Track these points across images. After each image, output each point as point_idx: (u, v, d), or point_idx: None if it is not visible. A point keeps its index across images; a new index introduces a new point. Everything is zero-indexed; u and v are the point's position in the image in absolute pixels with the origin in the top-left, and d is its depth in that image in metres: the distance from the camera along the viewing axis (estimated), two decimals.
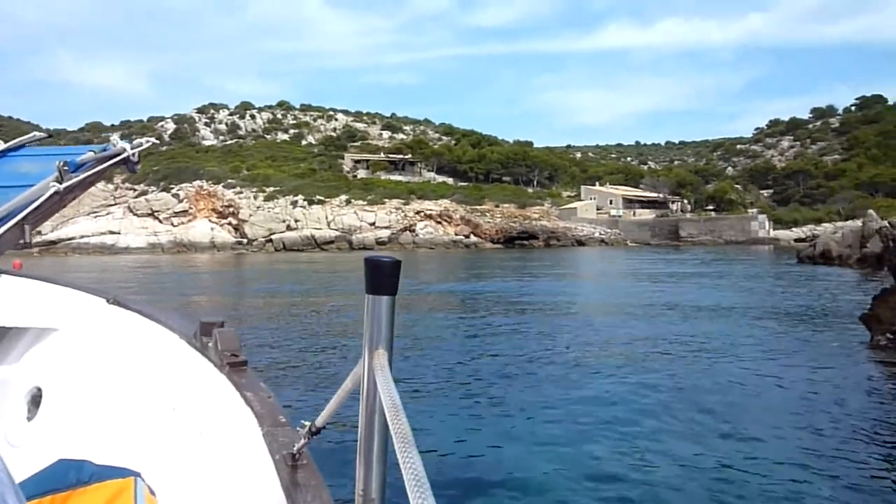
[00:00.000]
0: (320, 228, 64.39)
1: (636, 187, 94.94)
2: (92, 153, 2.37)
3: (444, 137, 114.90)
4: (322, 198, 68.55)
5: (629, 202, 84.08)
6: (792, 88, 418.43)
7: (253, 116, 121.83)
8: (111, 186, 71.02)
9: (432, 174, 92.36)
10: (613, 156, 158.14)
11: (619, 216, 76.98)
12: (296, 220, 65.28)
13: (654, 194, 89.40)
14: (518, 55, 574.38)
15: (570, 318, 13.90)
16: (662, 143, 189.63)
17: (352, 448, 0.97)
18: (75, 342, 2.50)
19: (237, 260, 47.10)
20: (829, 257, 26.35)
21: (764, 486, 4.63)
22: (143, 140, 2.57)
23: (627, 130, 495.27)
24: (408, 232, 65.03)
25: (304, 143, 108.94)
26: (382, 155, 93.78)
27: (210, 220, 66.18)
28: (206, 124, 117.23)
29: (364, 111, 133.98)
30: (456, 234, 66.29)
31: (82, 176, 2.29)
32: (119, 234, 62.75)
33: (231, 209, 66.98)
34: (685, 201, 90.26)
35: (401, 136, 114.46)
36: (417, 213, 67.83)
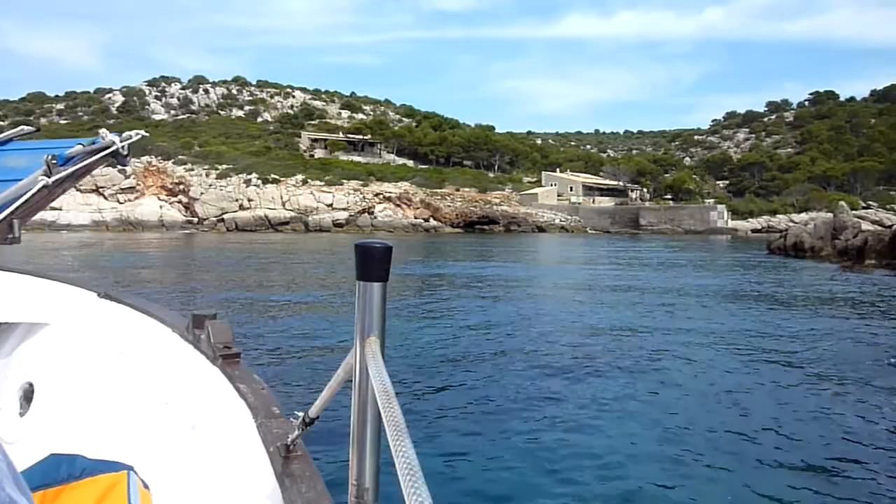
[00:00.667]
0: (275, 209, 62.26)
1: (596, 175, 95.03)
2: (81, 146, 2.35)
3: (405, 119, 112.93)
4: (277, 177, 66.37)
5: (589, 189, 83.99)
6: (745, 83, 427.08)
7: (207, 91, 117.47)
8: None
9: (392, 156, 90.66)
10: (573, 143, 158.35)
11: (580, 203, 76.77)
12: (249, 200, 62.96)
13: (614, 182, 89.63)
14: (479, 40, 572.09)
15: (540, 307, 12.90)
16: (621, 133, 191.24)
17: (346, 438, 0.97)
18: (67, 337, 2.48)
19: (187, 240, 45.03)
20: (801, 249, 25.96)
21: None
22: (133, 133, 2.50)
23: (586, 119, 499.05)
24: (366, 214, 63.48)
25: (259, 120, 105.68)
26: (341, 135, 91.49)
27: (159, 198, 63.31)
28: (156, 98, 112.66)
29: (323, 89, 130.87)
30: (415, 218, 65.09)
31: (71, 169, 2.28)
32: (60, 210, 59.42)
33: (181, 187, 64.19)
34: (644, 190, 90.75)
35: (361, 116, 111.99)
36: (376, 195, 66.29)
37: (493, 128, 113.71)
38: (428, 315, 12.21)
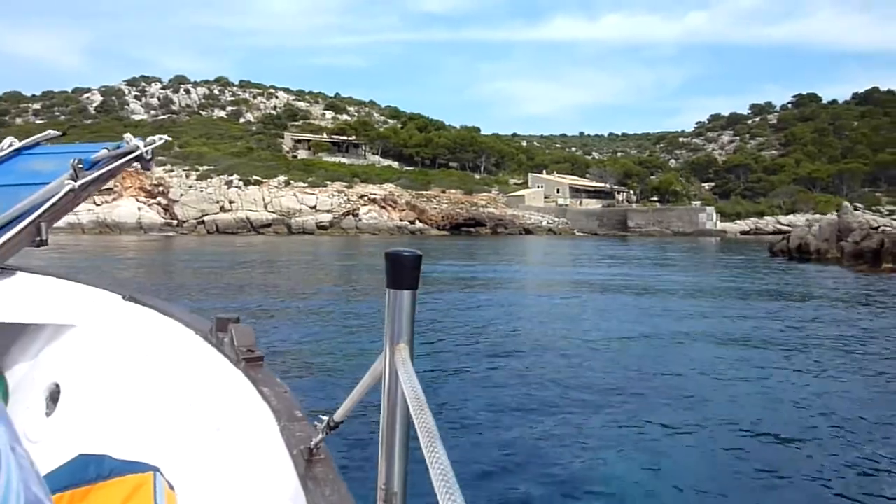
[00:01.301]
0: (257, 211, 60.85)
1: (582, 176, 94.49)
2: (106, 150, 2.42)
3: (390, 120, 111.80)
4: (259, 178, 64.99)
5: (576, 191, 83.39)
6: (728, 87, 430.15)
7: (188, 91, 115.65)
8: None
9: (377, 157, 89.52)
10: (558, 145, 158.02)
11: (567, 205, 76.11)
12: (230, 202, 61.47)
13: (601, 184, 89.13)
14: (465, 43, 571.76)
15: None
16: (606, 135, 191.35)
17: (368, 443, 0.98)
18: (92, 338, 2.49)
19: (166, 243, 43.67)
20: (807, 251, 25.02)
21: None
22: (157, 137, 2.59)
23: (571, 122, 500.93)
24: (350, 216, 62.26)
25: (242, 120, 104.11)
26: (325, 135, 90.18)
27: (137, 200, 61.54)
28: (136, 97, 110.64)
29: (307, 90, 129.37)
30: (401, 220, 63.99)
31: (97, 173, 2.34)
32: None
33: (161, 188, 62.52)
34: (631, 192, 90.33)
35: (345, 116, 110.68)
36: (361, 196, 65.12)
37: (478, 129, 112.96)
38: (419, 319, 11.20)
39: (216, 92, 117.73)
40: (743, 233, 67.78)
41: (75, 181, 2.22)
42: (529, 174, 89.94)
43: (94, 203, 60.46)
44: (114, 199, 61.06)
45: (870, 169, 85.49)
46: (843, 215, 24.25)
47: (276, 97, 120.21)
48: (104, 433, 2.01)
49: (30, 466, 0.52)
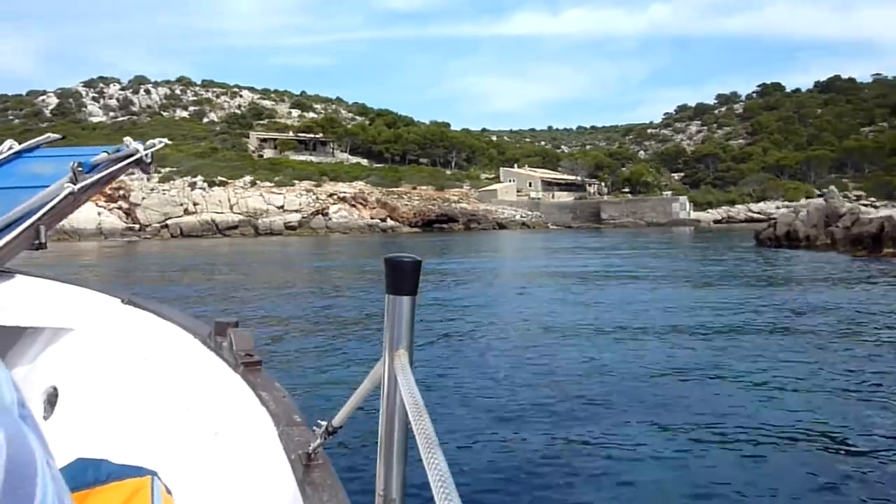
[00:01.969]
0: (222, 212, 58.98)
1: (554, 170, 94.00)
2: (106, 154, 2.43)
3: (357, 117, 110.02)
4: (224, 179, 63.19)
5: (548, 185, 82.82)
6: (693, 78, 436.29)
7: (148, 92, 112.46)
8: None
9: (345, 155, 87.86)
10: (528, 140, 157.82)
11: (539, 199, 75.49)
12: (194, 204, 59.47)
13: (572, 177, 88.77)
14: (431, 40, 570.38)
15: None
16: (574, 129, 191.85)
17: (367, 448, 0.99)
18: (90, 342, 2.51)
19: (128, 248, 41.85)
20: (795, 238, 24.17)
21: None
22: (157, 141, 2.62)
23: (539, 116, 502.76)
24: (320, 216, 60.71)
25: (205, 120, 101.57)
26: (291, 134, 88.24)
27: (97, 204, 59.11)
28: (94, 99, 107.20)
29: (272, 89, 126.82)
30: (371, 218, 62.64)
31: (96, 177, 2.35)
32: None
33: (121, 192, 60.13)
34: (602, 184, 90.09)
35: (312, 114, 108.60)
36: (330, 195, 63.60)
37: (448, 125, 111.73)
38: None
39: (178, 92, 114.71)
40: (716, 222, 67.86)
41: (75, 184, 2.21)
42: (501, 168, 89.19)
43: None
44: None
45: (836, 155, 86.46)
46: (829, 200, 23.56)
47: (241, 96, 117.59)
48: (102, 437, 2.00)
49: (61, 479, 0.54)
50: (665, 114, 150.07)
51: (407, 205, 65.35)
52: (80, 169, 2.27)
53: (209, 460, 1.64)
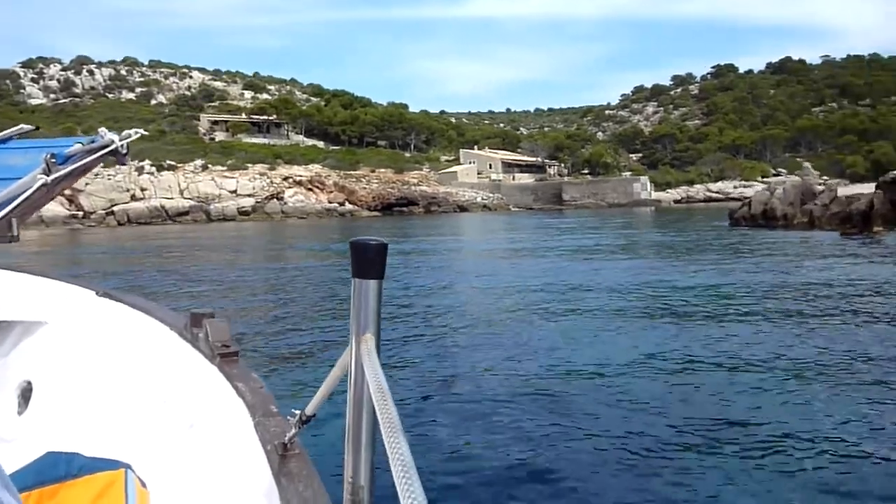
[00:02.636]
0: (172, 198, 56.45)
1: (514, 151, 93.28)
2: (80, 145, 2.37)
3: (312, 98, 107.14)
4: (174, 163, 60.42)
5: (508, 166, 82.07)
6: (649, 61, 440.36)
7: (92, 73, 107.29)
8: None
9: (301, 137, 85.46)
10: (487, 122, 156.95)
11: (500, 180, 74.71)
12: (142, 189, 56.78)
13: (533, 158, 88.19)
14: (388, 21, 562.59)
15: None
16: (532, 111, 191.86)
17: (343, 435, 0.99)
18: (65, 335, 2.50)
19: (72, 237, 39.58)
20: (773, 217, 23.39)
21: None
22: (132, 131, 2.54)
23: (498, 99, 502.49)
24: (275, 200, 58.68)
25: (153, 102, 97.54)
26: (244, 116, 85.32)
27: None
28: (33, 80, 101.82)
29: (224, 69, 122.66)
30: (329, 202, 60.86)
31: (70, 168, 2.32)
32: None
33: None
34: (562, 165, 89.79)
35: (265, 96, 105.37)
36: (285, 179, 61.54)
37: (406, 106, 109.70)
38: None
39: (123, 73, 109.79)
40: (676, 202, 68.13)
41: (48, 176, 2.15)
42: (461, 150, 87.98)
43: None
44: None
45: (790, 135, 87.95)
46: (804, 178, 23.05)
47: (191, 77, 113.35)
48: (77, 431, 1.99)
49: (6, 479, 0.51)
50: (622, 95, 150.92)
51: (366, 188, 63.74)
52: (53, 160, 2.17)
53: (184, 452, 1.62)
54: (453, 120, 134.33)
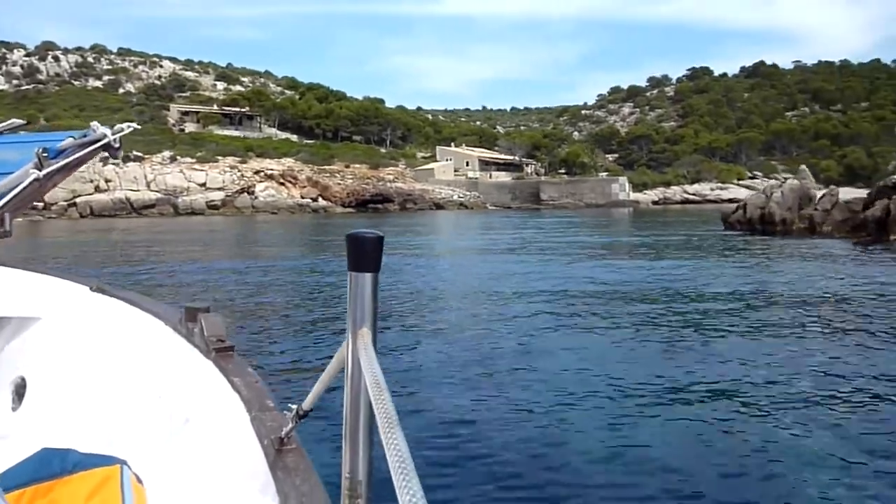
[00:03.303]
0: (138, 190, 54.44)
1: (491, 149, 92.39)
2: (72, 139, 2.38)
3: (287, 91, 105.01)
4: (140, 154, 58.37)
5: (485, 164, 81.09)
6: (625, 62, 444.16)
7: (57, 59, 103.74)
8: None
9: (274, 130, 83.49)
10: (463, 119, 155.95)
11: (477, 178, 73.75)
12: (106, 181, 54.66)
13: (510, 157, 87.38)
14: (365, 16, 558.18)
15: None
16: (508, 109, 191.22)
17: (340, 430, 0.97)
18: (59, 331, 2.49)
19: (31, 229, 37.58)
20: (771, 222, 22.31)
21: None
22: (125, 125, 2.56)
23: (474, 97, 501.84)
24: (245, 194, 56.96)
25: (121, 91, 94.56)
26: (216, 107, 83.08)
27: None
28: None
29: (196, 60, 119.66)
30: (302, 197, 59.30)
31: (62, 162, 2.30)
32: None
33: None
34: (539, 164, 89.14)
35: (238, 87, 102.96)
36: (256, 172, 59.82)
37: (383, 101, 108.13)
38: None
39: (90, 60, 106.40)
40: (654, 203, 67.85)
41: (40, 170, 2.14)
42: (437, 147, 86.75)
43: None
44: None
45: (765, 138, 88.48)
46: (802, 181, 22.14)
47: (161, 66, 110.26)
48: (72, 427, 1.98)
49: None
50: (598, 95, 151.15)
51: (340, 184, 62.28)
52: (45, 155, 2.16)
53: (180, 448, 1.62)
54: (430, 117, 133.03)
